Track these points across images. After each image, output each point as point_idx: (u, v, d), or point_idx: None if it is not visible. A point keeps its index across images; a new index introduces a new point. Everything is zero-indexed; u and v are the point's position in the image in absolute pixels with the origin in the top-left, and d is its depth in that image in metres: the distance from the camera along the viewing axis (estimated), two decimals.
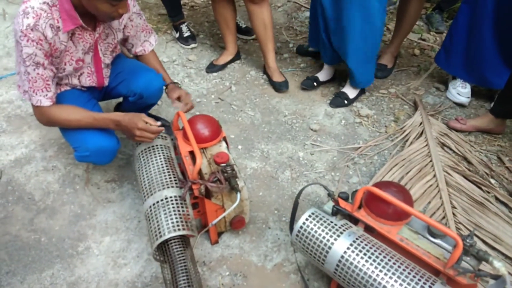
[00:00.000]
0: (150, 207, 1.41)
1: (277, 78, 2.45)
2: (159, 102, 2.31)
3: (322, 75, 2.47)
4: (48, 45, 1.44)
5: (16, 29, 1.39)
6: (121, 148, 2.01)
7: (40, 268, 1.52)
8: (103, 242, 1.61)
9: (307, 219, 1.31)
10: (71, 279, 1.49)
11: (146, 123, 1.50)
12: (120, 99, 2.00)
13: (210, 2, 2.53)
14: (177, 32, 2.81)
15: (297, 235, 1.32)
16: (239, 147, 2.06)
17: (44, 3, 1.41)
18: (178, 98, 1.74)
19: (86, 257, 1.56)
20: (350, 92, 2.34)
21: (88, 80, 1.68)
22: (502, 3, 2.00)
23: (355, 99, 2.36)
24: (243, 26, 2.94)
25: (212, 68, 2.58)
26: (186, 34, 2.78)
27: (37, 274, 1.50)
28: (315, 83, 2.42)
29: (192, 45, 2.77)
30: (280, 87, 2.43)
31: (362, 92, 2.39)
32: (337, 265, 1.23)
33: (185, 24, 2.82)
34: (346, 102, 2.32)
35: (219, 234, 1.62)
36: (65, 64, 1.56)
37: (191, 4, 3.36)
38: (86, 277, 1.49)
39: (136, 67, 1.78)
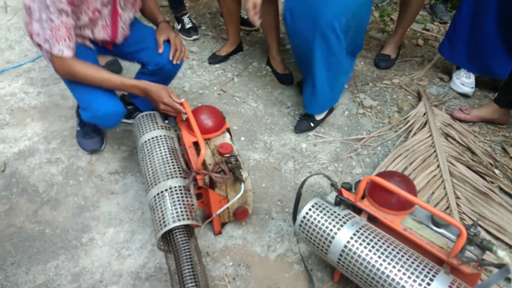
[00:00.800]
0: (155, 197, 1.41)
1: (281, 70, 2.44)
2: None
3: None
4: None
5: None
6: (124, 140, 2.02)
7: (44, 259, 1.53)
8: (107, 233, 1.61)
9: (310, 209, 1.31)
10: (76, 270, 1.50)
11: (172, 99, 1.56)
12: None
13: None
14: (179, 24, 2.80)
15: (300, 225, 1.32)
16: (242, 138, 2.06)
17: None
18: (168, 41, 1.77)
19: (90, 248, 1.56)
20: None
21: (101, 32, 1.65)
22: None
23: (323, 119, 2.14)
24: (246, 17, 2.91)
25: (214, 59, 2.57)
26: (188, 25, 2.77)
27: (41, 265, 1.51)
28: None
29: (194, 37, 2.76)
30: (284, 81, 2.42)
31: (331, 109, 2.19)
32: (340, 255, 1.23)
33: (187, 15, 2.80)
34: (312, 124, 2.10)
35: (223, 225, 1.62)
36: (81, 14, 1.52)
37: None
38: (90, 268, 1.50)
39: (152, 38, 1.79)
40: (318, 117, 2.11)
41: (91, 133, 1.94)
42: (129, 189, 1.78)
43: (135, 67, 2.38)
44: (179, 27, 2.80)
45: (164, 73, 1.83)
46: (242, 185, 1.42)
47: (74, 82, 1.59)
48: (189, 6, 3.13)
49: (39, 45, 1.61)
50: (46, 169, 1.86)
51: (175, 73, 1.90)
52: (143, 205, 1.71)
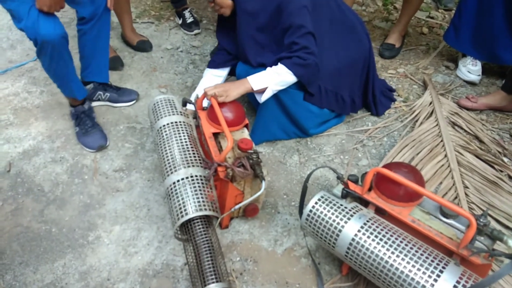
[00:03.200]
0: (174, 183, 1.38)
1: None
2: (164, 90, 2.30)
3: None
4: None
5: None
6: (128, 137, 2.01)
7: (52, 258, 1.53)
8: (113, 231, 1.61)
9: (316, 203, 1.30)
10: (83, 268, 1.50)
11: None
12: None
13: None
14: (180, 19, 2.78)
15: (306, 219, 1.31)
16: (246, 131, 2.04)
17: None
18: None
19: (96, 247, 1.56)
20: None
21: None
22: None
23: None
24: None
25: None
26: (189, 20, 2.75)
27: (49, 264, 1.51)
28: None
29: (196, 31, 2.74)
30: None
31: None
32: (348, 248, 1.21)
33: (188, 10, 2.78)
34: None
35: (230, 219, 1.61)
36: None
37: None
38: (98, 266, 1.50)
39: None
40: None
41: (91, 129, 1.94)
42: (134, 186, 1.78)
43: (137, 63, 2.38)
44: (180, 21, 2.78)
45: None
46: (263, 183, 1.40)
47: None
48: (190, 0, 3.10)
49: None
50: (51, 168, 1.86)
51: None
52: (149, 202, 1.71)
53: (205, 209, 1.31)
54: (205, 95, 1.63)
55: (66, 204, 1.72)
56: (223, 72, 2.04)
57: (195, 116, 1.66)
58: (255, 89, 1.69)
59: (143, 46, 2.55)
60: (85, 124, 1.94)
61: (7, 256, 1.53)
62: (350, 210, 1.26)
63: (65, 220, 1.66)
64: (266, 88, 1.70)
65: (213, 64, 2.03)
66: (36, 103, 2.19)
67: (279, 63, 1.68)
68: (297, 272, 1.47)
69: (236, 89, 1.66)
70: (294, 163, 1.88)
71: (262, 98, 1.73)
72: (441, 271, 1.08)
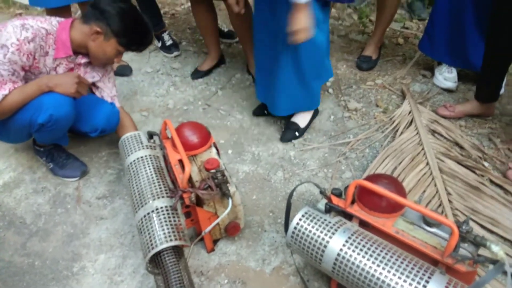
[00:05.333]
0: (142, 219, 1.39)
1: None
2: (145, 113, 2.29)
3: None
4: (32, 62, 1.59)
5: (8, 35, 1.50)
6: (110, 163, 1.99)
7: None
8: (98, 260, 1.58)
9: (300, 219, 1.29)
10: None
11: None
12: None
13: (190, 9, 2.52)
14: (159, 41, 2.79)
15: (292, 236, 1.30)
16: (230, 151, 2.04)
17: (42, 28, 1.58)
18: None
19: (81, 277, 1.53)
20: (301, 119, 2.09)
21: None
22: None
23: (308, 126, 2.12)
24: (226, 30, 2.92)
25: (197, 74, 2.56)
26: (169, 42, 2.77)
27: None
28: (266, 112, 2.20)
29: (175, 53, 2.75)
30: None
31: (315, 114, 2.16)
32: (334, 263, 1.21)
33: (167, 32, 2.80)
34: (297, 133, 2.07)
35: (215, 241, 1.60)
36: (39, 73, 1.67)
37: (171, 12, 3.34)
38: None
39: (91, 101, 1.80)
40: (302, 124, 2.10)
41: (66, 161, 1.91)
42: (118, 213, 1.75)
43: (117, 88, 2.38)
44: (159, 44, 2.79)
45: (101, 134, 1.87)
46: (230, 200, 1.40)
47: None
48: (169, 23, 3.13)
49: None
50: (32, 200, 1.83)
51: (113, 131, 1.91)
52: (133, 228, 1.68)
53: (171, 240, 1.29)
54: None
55: (50, 235, 1.68)
56: None
57: (161, 147, 1.67)
58: None
59: (123, 71, 2.56)
60: (59, 157, 1.91)
61: None
62: (334, 225, 1.26)
63: (49, 251, 1.63)
64: None
65: None
66: None
67: None
68: None
69: None
70: (278, 180, 1.88)
71: None
72: (427, 281, 1.08)
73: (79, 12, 2.93)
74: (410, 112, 2.13)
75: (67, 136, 1.88)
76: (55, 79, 1.60)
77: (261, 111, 2.24)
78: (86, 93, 1.69)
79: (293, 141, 2.07)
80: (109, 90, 1.90)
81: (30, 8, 3.37)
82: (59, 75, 1.64)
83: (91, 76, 1.79)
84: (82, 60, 1.73)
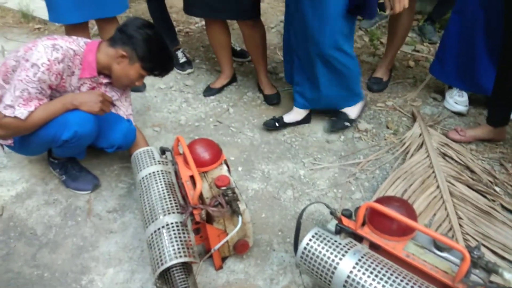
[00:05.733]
0: (152, 234, 1.40)
1: (268, 91, 2.53)
2: (157, 129, 2.32)
3: (289, 117, 2.29)
4: (59, 81, 1.64)
5: (39, 54, 1.54)
6: (122, 177, 2.01)
7: None
8: (107, 274, 1.59)
9: (310, 240, 1.29)
10: None
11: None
12: None
13: (204, 27, 2.58)
14: None
15: (301, 257, 1.30)
16: (240, 168, 2.06)
17: (70, 48, 1.63)
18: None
19: None
20: (350, 110, 2.24)
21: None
22: (492, 12, 2.02)
23: (359, 116, 2.26)
24: (238, 49, 2.97)
25: (209, 91, 2.60)
26: (182, 60, 2.82)
27: None
28: (277, 124, 2.25)
29: (189, 71, 2.80)
30: (271, 100, 2.50)
31: (365, 105, 2.31)
32: (344, 286, 1.20)
33: (181, 50, 2.85)
34: (347, 123, 2.21)
35: (223, 259, 1.60)
36: (64, 91, 1.72)
37: (186, 30, 3.41)
38: None
39: (109, 118, 1.83)
40: (353, 115, 2.22)
41: (79, 173, 1.94)
42: (127, 227, 1.77)
43: (158, 87, 2.45)
44: None
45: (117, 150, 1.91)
46: (240, 218, 1.41)
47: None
48: (183, 40, 3.19)
49: None
50: (44, 211, 1.85)
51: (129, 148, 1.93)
52: (142, 243, 1.69)
53: (180, 256, 1.30)
54: None
55: (59, 248, 1.70)
56: None
57: (173, 162, 1.69)
58: None
59: (137, 87, 2.60)
60: (73, 169, 1.94)
61: None
62: (344, 246, 1.25)
63: (58, 264, 1.64)
64: None
65: None
66: None
67: None
68: None
69: None
70: (288, 198, 1.89)
71: None
72: None
73: (95, 27, 3.01)
74: (420, 135, 2.14)
75: (85, 151, 1.91)
76: (80, 97, 1.64)
77: (272, 123, 2.27)
78: (109, 111, 1.74)
79: (303, 160, 2.09)
80: (125, 108, 1.93)
81: (48, 23, 3.46)
82: (84, 93, 1.69)
83: (110, 95, 1.82)
84: (104, 80, 1.78)
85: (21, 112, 1.55)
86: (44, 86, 1.59)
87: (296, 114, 2.29)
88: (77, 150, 1.81)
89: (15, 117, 1.55)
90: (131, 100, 1.99)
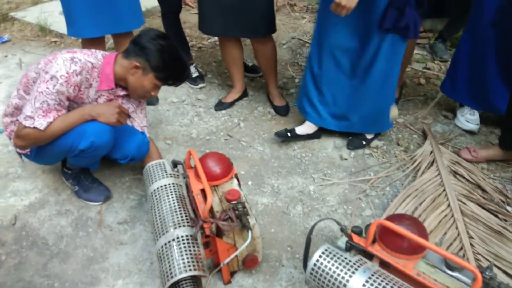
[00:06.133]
0: (162, 246, 1.41)
1: (278, 102, 2.58)
2: (169, 142, 2.35)
3: (301, 129, 2.30)
4: (77, 93, 1.68)
5: (58, 67, 1.59)
6: (133, 189, 2.03)
7: None
8: (116, 286, 1.59)
9: (320, 256, 1.29)
10: None
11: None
12: None
13: (217, 43, 2.63)
14: None
15: (311, 274, 1.30)
16: (249, 183, 2.07)
17: (89, 61, 1.67)
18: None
19: None
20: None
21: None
22: (503, 30, 2.03)
23: (375, 137, 2.30)
24: (250, 64, 3.01)
25: (220, 106, 2.63)
26: (195, 74, 2.86)
27: None
28: (289, 134, 2.26)
29: (201, 85, 2.84)
30: (280, 111, 2.55)
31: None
32: None
33: (193, 65, 2.90)
34: (364, 142, 2.26)
35: (232, 273, 1.60)
36: (82, 102, 1.76)
37: (198, 45, 3.47)
38: None
39: (124, 130, 1.86)
40: (369, 135, 2.27)
41: (91, 184, 1.96)
42: (137, 239, 1.78)
43: (170, 100, 2.48)
44: None
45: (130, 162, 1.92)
46: (249, 232, 1.41)
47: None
48: (195, 55, 3.24)
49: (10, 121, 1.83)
50: (56, 221, 1.87)
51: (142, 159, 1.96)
52: (152, 255, 1.70)
53: (190, 270, 1.31)
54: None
55: (70, 258, 1.71)
56: None
57: (185, 176, 1.70)
58: None
59: (150, 101, 2.64)
60: (86, 180, 1.97)
61: None
62: (354, 264, 1.25)
63: (68, 274, 1.65)
64: None
65: None
66: None
67: None
68: None
69: None
70: (297, 214, 1.89)
71: None
72: None
73: (111, 41, 3.08)
74: (431, 153, 2.13)
75: (99, 162, 1.94)
76: (98, 108, 1.68)
77: (284, 133, 2.27)
78: (125, 122, 1.77)
79: (313, 175, 2.09)
80: (140, 120, 1.97)
81: (64, 36, 3.54)
82: (101, 104, 1.72)
83: (126, 107, 1.86)
84: (121, 92, 1.81)
85: (41, 123, 1.59)
86: (63, 98, 1.63)
87: (307, 127, 2.30)
88: (92, 160, 1.83)
89: (34, 127, 1.59)
90: (146, 112, 2.02)
